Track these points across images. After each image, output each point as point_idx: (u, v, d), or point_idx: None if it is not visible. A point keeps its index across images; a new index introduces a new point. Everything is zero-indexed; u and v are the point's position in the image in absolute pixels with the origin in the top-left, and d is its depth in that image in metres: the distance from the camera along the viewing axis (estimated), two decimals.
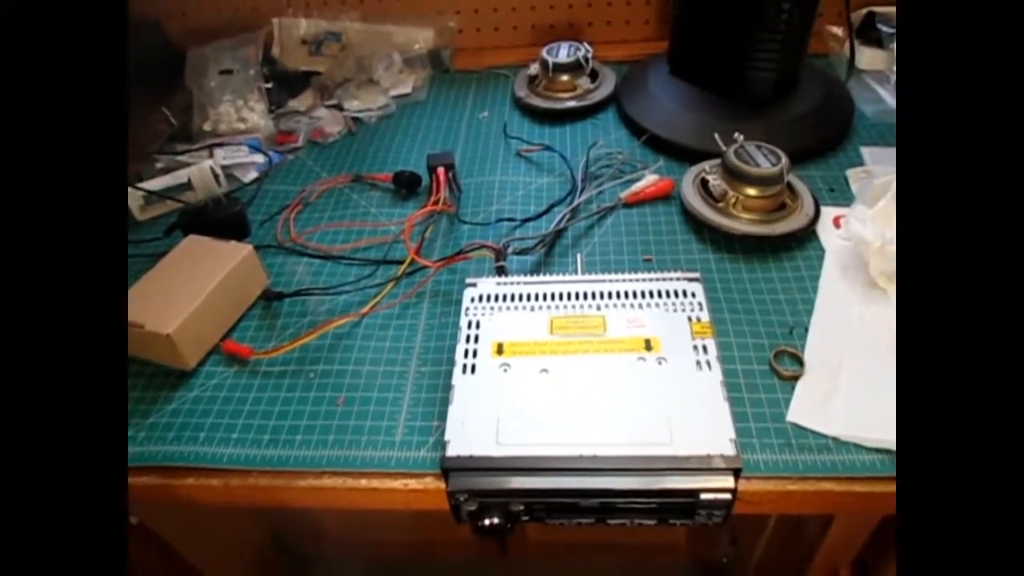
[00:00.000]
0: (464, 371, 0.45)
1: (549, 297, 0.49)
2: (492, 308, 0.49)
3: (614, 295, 0.49)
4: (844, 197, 0.62)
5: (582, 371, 0.44)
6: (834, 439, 0.44)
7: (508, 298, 0.49)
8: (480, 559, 0.94)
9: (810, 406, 0.46)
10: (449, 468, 0.40)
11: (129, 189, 0.66)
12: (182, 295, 0.52)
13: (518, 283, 0.51)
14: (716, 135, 0.61)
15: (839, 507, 0.44)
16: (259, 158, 0.74)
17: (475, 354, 0.46)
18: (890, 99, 0.74)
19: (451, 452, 0.40)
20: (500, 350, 0.46)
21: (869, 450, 0.43)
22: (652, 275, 0.50)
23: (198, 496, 0.47)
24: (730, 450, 0.39)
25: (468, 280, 0.51)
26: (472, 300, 0.49)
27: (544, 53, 0.77)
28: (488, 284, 0.51)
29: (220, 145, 0.75)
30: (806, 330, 0.51)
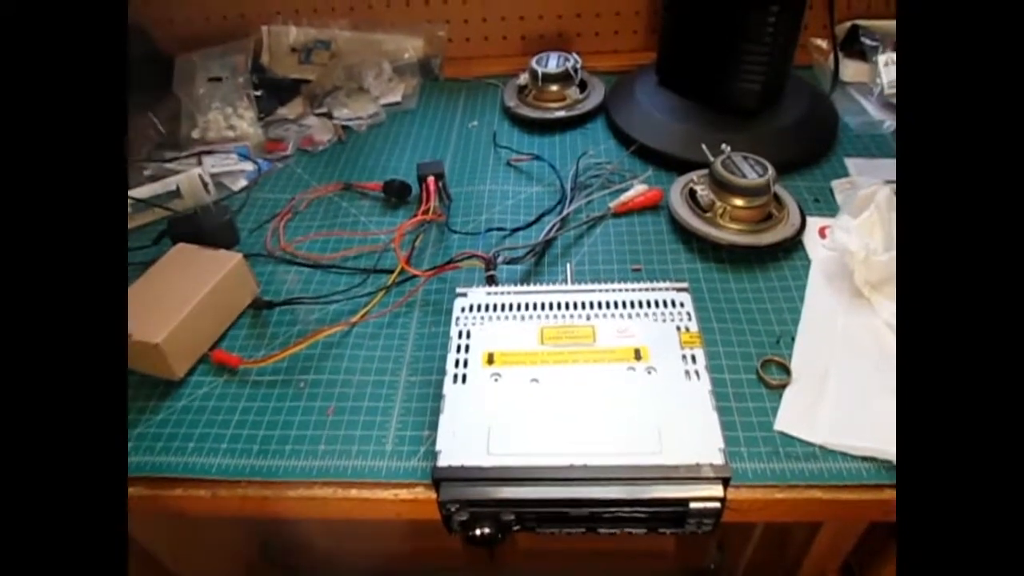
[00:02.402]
0: (455, 381, 0.45)
1: (539, 307, 0.50)
2: (482, 318, 0.49)
3: (603, 305, 0.49)
4: (829, 208, 0.63)
5: (572, 381, 0.44)
6: (821, 447, 0.45)
7: (498, 308, 0.50)
8: (469, 568, 0.93)
9: (797, 415, 0.47)
10: (440, 478, 0.40)
11: None
12: (171, 304, 0.52)
13: (508, 293, 0.51)
14: (703, 146, 0.61)
15: (826, 514, 0.45)
16: (248, 166, 0.74)
17: (466, 364, 0.46)
18: (873, 111, 0.75)
19: (442, 462, 0.40)
20: (491, 360, 0.46)
21: (856, 458, 0.44)
22: (641, 285, 0.51)
23: (186, 507, 0.47)
24: (719, 459, 0.39)
25: (458, 290, 0.51)
26: (462, 310, 0.50)
27: (533, 63, 0.78)
28: (478, 294, 0.51)
29: (209, 153, 0.75)
30: (793, 339, 0.52)
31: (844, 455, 0.44)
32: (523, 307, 0.50)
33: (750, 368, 0.50)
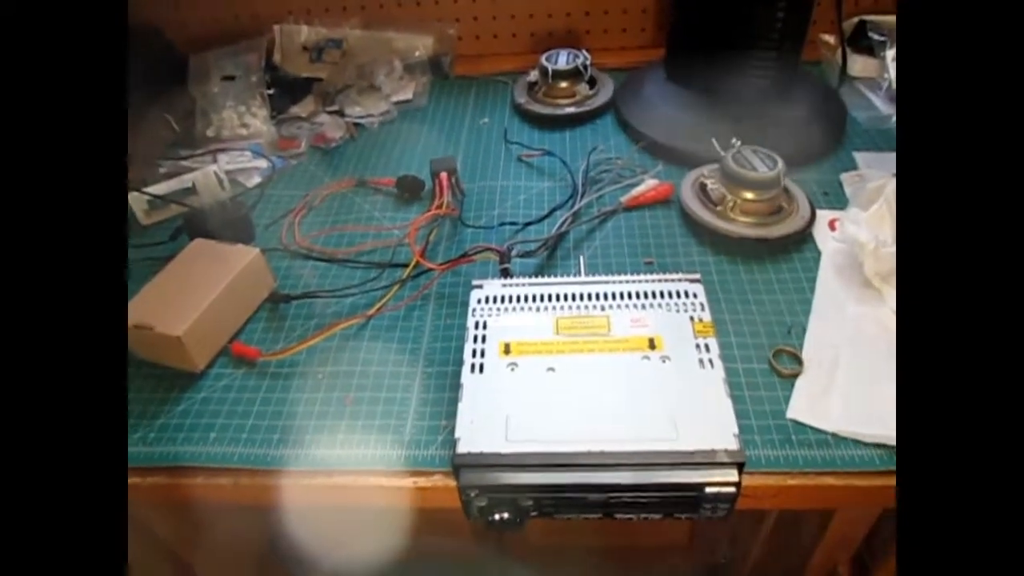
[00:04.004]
0: (472, 370, 0.45)
1: (554, 298, 0.50)
2: (498, 309, 0.50)
3: (617, 296, 0.50)
4: (838, 201, 0.64)
5: (588, 369, 0.45)
6: (833, 435, 0.45)
7: (514, 299, 0.50)
8: (480, 561, 0.94)
9: (809, 403, 0.47)
10: (460, 465, 0.41)
11: (134, 193, 0.67)
12: (191, 297, 0.53)
13: (523, 285, 0.52)
14: (714, 140, 0.62)
15: (839, 501, 0.45)
16: (262, 163, 0.75)
17: (483, 354, 0.46)
18: (881, 105, 0.75)
19: (461, 449, 0.41)
20: (507, 350, 0.46)
21: (867, 445, 0.44)
22: (654, 276, 0.51)
23: (209, 495, 0.48)
24: (734, 444, 0.40)
25: (474, 282, 0.52)
26: (479, 301, 0.50)
27: (543, 60, 0.78)
28: (494, 286, 0.52)
29: (223, 150, 0.75)
30: (804, 330, 0.52)
31: (856, 442, 0.45)
32: (538, 298, 0.50)
33: (762, 358, 0.50)
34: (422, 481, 0.46)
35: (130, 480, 0.48)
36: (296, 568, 0.94)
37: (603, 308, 0.49)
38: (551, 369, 0.45)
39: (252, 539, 0.89)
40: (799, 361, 0.50)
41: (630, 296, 0.50)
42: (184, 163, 0.74)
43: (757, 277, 0.57)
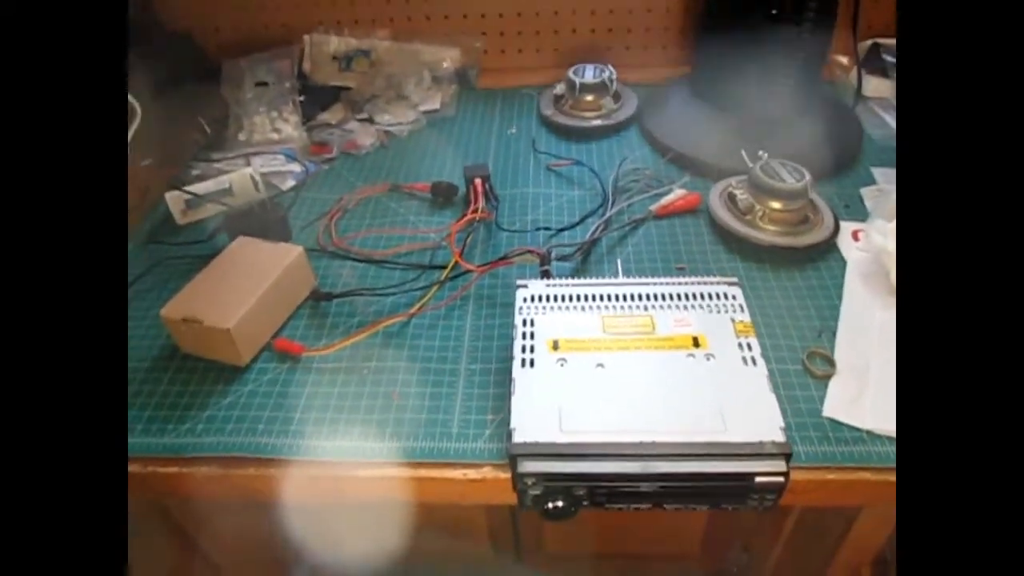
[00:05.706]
0: (523, 365, 0.47)
1: (597, 298, 0.52)
2: (543, 308, 0.51)
3: (659, 297, 0.52)
4: (859, 213, 0.66)
5: (636, 366, 0.46)
6: (868, 432, 0.47)
7: (558, 299, 0.52)
8: (494, 566, 0.94)
9: (844, 402, 0.49)
10: (516, 454, 0.42)
11: (173, 192, 0.68)
12: (238, 293, 0.54)
13: (566, 285, 0.53)
14: (743, 152, 0.64)
15: (876, 496, 0.46)
16: (295, 167, 0.76)
17: (532, 349, 0.48)
18: (895, 124, 0.78)
19: (517, 439, 0.42)
20: (556, 346, 0.48)
21: None
22: (692, 279, 0.53)
23: (260, 487, 0.48)
24: (780, 437, 0.42)
25: (519, 281, 0.53)
26: (524, 300, 0.52)
27: (571, 73, 0.81)
28: (538, 285, 0.53)
29: (256, 154, 0.77)
30: (834, 334, 0.54)
31: (891, 439, 0.47)
32: (582, 298, 0.52)
33: (795, 359, 0.52)
34: (471, 473, 0.47)
35: (175, 470, 0.49)
36: (314, 565, 0.94)
37: (646, 308, 0.51)
38: (600, 365, 0.46)
39: (271, 534, 0.88)
40: (831, 363, 0.52)
41: (671, 297, 0.52)
42: (216, 166, 0.76)
43: (786, 283, 0.59)
